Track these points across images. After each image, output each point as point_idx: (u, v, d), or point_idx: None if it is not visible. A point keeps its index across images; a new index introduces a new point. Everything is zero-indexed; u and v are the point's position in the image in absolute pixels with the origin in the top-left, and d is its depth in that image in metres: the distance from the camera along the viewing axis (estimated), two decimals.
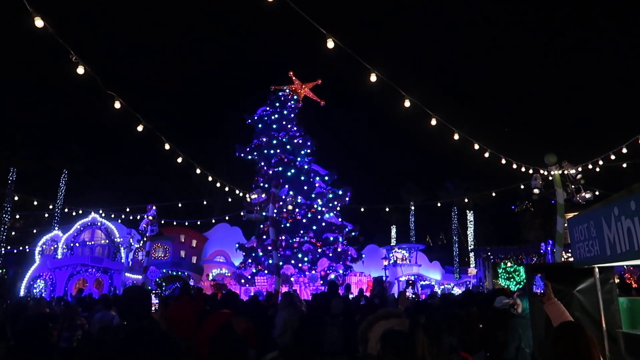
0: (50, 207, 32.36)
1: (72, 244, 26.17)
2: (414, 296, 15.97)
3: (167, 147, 13.29)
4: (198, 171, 17.31)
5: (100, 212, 28.22)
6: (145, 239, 20.48)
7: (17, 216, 33.86)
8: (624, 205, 3.53)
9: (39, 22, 7.19)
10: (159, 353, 3.23)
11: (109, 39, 63.15)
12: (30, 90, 55.30)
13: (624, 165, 18.00)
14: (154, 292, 18.25)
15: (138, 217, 27.20)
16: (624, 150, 14.59)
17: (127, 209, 29.60)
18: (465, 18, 68.32)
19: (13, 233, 33.20)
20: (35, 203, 28.73)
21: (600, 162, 15.32)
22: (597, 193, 14.49)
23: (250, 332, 5.30)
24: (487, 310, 8.21)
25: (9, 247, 32.50)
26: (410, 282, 23.62)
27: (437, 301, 9.87)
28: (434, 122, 10.80)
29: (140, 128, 11.37)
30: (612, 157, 14.94)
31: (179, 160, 14.84)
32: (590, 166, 15.33)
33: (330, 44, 7.73)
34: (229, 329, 4.84)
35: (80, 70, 8.15)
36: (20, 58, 50.89)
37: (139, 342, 3.20)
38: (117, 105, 9.74)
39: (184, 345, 5.96)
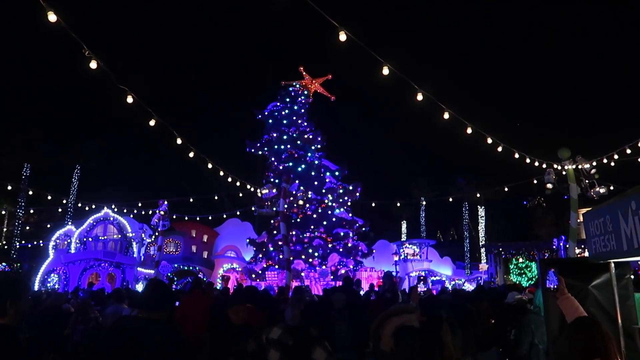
0: (64, 202, 32.75)
1: (85, 239, 26.45)
2: (425, 291, 15.91)
3: (179, 141, 13.35)
4: (210, 166, 17.38)
5: (113, 207, 28.49)
6: (157, 233, 20.63)
7: (31, 211, 34.33)
8: None
9: (52, 17, 7.23)
10: (169, 346, 3.25)
11: (121, 33, 63.62)
12: (43, 85, 55.89)
13: None
14: None
15: (150, 212, 27.41)
16: None
17: (139, 204, 29.90)
18: (478, 11, 67.71)
19: (27, 228, 33.67)
20: (49, 198, 29.08)
21: (616, 157, 15.11)
22: (612, 188, 14.32)
23: (254, 320, 5.29)
24: (499, 306, 8.16)
25: (23, 242, 32.97)
26: (422, 277, 23.52)
27: (449, 296, 9.82)
28: (446, 115, 10.70)
29: (152, 122, 11.42)
30: (628, 151, 14.71)
31: (191, 155, 14.91)
32: (605, 160, 15.13)
33: (343, 36, 7.68)
34: (223, 319, 4.82)
35: (93, 64, 8.20)
36: (33, 53, 51.39)
37: (151, 334, 3.22)
38: (130, 99, 9.78)
39: (196, 339, 5.98)
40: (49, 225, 32.22)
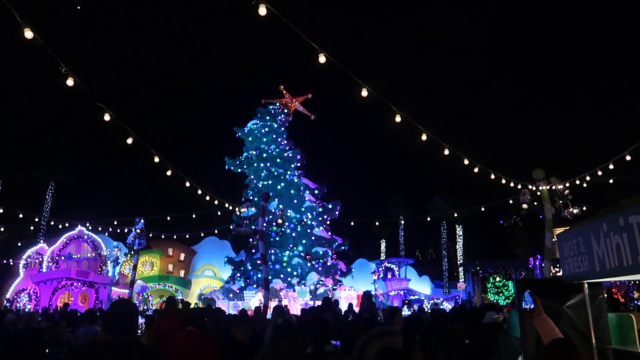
0: (36, 219, 31.92)
1: (57, 257, 25.79)
2: (409, 315, 15.90)
3: (156, 159, 13.21)
4: (187, 184, 17.21)
5: (87, 224, 27.89)
6: (132, 252, 20.23)
7: (2, 229, 33.32)
8: (613, 221, 3.56)
9: (28, 34, 7.15)
10: None
11: (99, 50, 63.05)
12: (17, 102, 54.85)
13: (611, 181, 18.26)
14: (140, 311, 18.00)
15: (126, 230, 26.89)
16: (611, 167, 14.79)
17: (115, 222, 29.29)
18: (456, 36, 69.35)
19: None
20: (21, 216, 28.31)
21: (588, 178, 15.52)
22: (584, 208, 14.64)
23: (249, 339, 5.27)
24: (475, 325, 8.19)
25: None
26: (406, 302, 23.51)
27: (428, 316, 9.84)
28: (424, 137, 10.88)
29: (129, 140, 11.30)
30: (599, 173, 15.14)
31: (168, 173, 14.75)
32: (577, 182, 15.53)
33: (322, 58, 7.78)
34: (230, 340, 4.80)
35: (70, 82, 8.11)
36: (9, 69, 50.52)
37: (127, 358, 3.13)
38: (107, 117, 9.68)
39: None
40: (20, 244, 31.28)
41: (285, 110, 27.41)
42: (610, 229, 3.62)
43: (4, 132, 43.57)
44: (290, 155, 26.12)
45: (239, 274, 23.90)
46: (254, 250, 23.61)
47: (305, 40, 7.40)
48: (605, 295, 5.52)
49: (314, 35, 7.48)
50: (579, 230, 4.32)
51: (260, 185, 24.80)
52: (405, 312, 18.75)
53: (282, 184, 25.00)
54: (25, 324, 9.34)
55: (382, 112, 9.74)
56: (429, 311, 15.69)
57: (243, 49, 77.73)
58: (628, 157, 13.93)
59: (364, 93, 8.71)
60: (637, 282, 23.01)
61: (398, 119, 9.70)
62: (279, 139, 26.45)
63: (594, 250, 3.92)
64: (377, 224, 37.93)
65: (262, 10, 7.20)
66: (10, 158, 34.07)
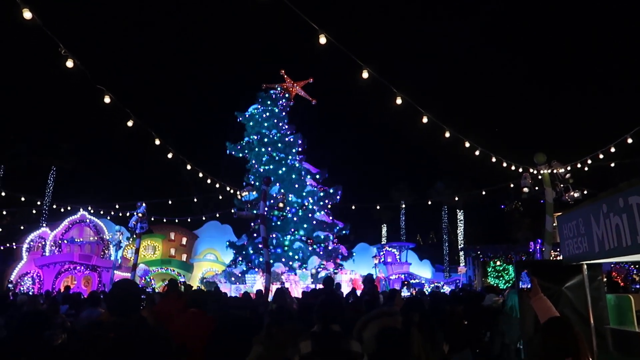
0: (38, 203, 32.04)
1: (60, 241, 25.95)
2: (408, 297, 16.03)
3: (157, 142, 13.19)
4: (189, 167, 17.21)
5: (89, 209, 27.98)
6: (134, 236, 20.32)
7: (4, 212, 33.50)
8: (613, 203, 3.56)
9: (27, 14, 7.08)
10: (151, 349, 3.18)
11: (99, 32, 62.61)
12: (17, 85, 54.63)
13: (612, 164, 18.21)
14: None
15: (128, 214, 26.98)
16: (612, 150, 14.74)
17: (117, 206, 29.39)
18: (457, 17, 68.62)
19: (0, 230, 32.82)
20: (23, 199, 28.41)
21: (589, 162, 15.48)
22: (585, 192, 14.64)
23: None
24: (475, 308, 8.27)
25: None
26: (406, 282, 23.69)
27: (427, 298, 9.91)
28: (425, 120, 10.83)
29: (130, 123, 11.27)
30: (601, 156, 15.09)
31: (170, 156, 14.74)
32: (579, 165, 15.49)
33: (323, 39, 7.71)
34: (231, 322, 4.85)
35: (70, 63, 8.05)
36: (7, 51, 50.15)
37: (131, 338, 3.15)
38: (107, 100, 9.64)
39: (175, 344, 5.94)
40: (22, 228, 31.44)
41: (287, 95, 27.30)
42: (610, 210, 3.62)
43: (4, 117, 43.55)
44: (292, 140, 26.07)
45: (240, 258, 24.05)
46: (255, 235, 23.73)
47: (306, 21, 7.33)
48: (605, 278, 5.56)
49: (314, 17, 7.41)
50: (579, 212, 4.33)
51: (261, 170, 24.83)
52: (405, 293, 18.90)
53: (284, 169, 25.01)
54: (29, 307, 9.44)
55: (383, 95, 9.70)
56: (429, 295, 15.80)
57: (244, 32, 77.13)
58: (630, 140, 13.86)
59: (365, 75, 8.65)
60: (638, 266, 23.11)
61: (399, 101, 9.65)
62: (280, 124, 26.38)
63: (594, 231, 3.93)
64: (378, 208, 38.08)
65: None
66: (12, 143, 34.08)
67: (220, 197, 26.97)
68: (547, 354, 2.93)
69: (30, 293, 22.16)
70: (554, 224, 13.25)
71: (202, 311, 5.75)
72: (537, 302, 3.93)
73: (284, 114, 26.83)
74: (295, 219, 24.20)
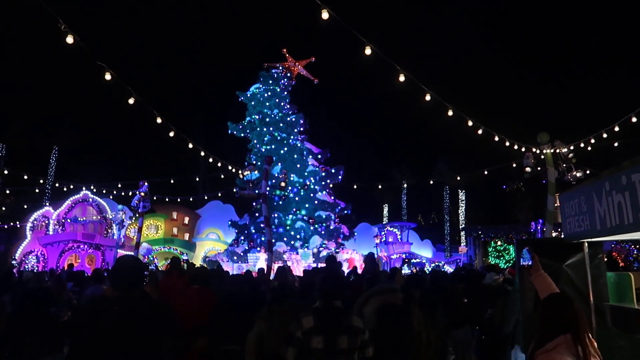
0: (41, 182, 32.14)
1: (63, 220, 26.09)
2: (409, 274, 16.16)
3: (159, 121, 13.15)
4: (190, 146, 17.20)
5: (92, 188, 28.08)
6: (137, 215, 20.41)
7: (7, 191, 33.64)
8: (616, 180, 3.54)
9: None
10: (155, 323, 3.21)
11: (99, 8, 61.88)
12: (17, 62, 54.20)
13: (616, 144, 18.13)
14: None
15: (130, 194, 27.08)
16: (616, 129, 14.65)
17: (119, 185, 29.48)
18: None
19: (3, 209, 33.01)
20: (25, 178, 28.50)
21: (592, 141, 15.40)
22: (588, 172, 14.60)
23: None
24: (476, 286, 8.33)
25: None
26: (406, 260, 23.83)
27: (428, 277, 9.99)
28: (428, 97, 10.75)
29: (131, 101, 11.22)
30: (604, 135, 15.01)
31: (171, 134, 14.71)
32: (582, 145, 15.41)
33: (325, 14, 7.61)
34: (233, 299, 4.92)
35: (70, 39, 7.97)
36: (5, 27, 49.58)
37: (134, 312, 3.18)
38: (108, 77, 9.57)
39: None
40: (26, 207, 31.61)
41: (288, 74, 27.08)
42: (612, 188, 3.61)
43: (5, 96, 43.37)
44: (294, 119, 25.96)
45: (242, 237, 24.19)
46: (257, 214, 23.82)
47: None
48: (606, 258, 5.58)
49: None
50: (581, 190, 4.31)
51: (263, 150, 24.78)
52: (405, 270, 19.01)
53: (285, 149, 24.96)
54: (34, 284, 9.57)
55: (386, 72, 9.60)
56: (429, 273, 15.92)
57: (246, 10, 76.15)
58: (634, 119, 13.77)
59: (368, 51, 8.56)
60: (638, 245, 23.17)
61: (402, 78, 9.57)
62: (282, 103, 26.23)
63: (596, 209, 3.92)
64: (380, 188, 38.11)
65: None
66: (13, 121, 34.06)
67: (222, 176, 27.01)
68: (547, 329, 2.95)
69: (35, 271, 22.41)
70: (556, 204, 13.27)
71: (205, 287, 5.82)
72: (537, 279, 3.96)
73: (285, 93, 26.66)
74: (297, 198, 24.26)
